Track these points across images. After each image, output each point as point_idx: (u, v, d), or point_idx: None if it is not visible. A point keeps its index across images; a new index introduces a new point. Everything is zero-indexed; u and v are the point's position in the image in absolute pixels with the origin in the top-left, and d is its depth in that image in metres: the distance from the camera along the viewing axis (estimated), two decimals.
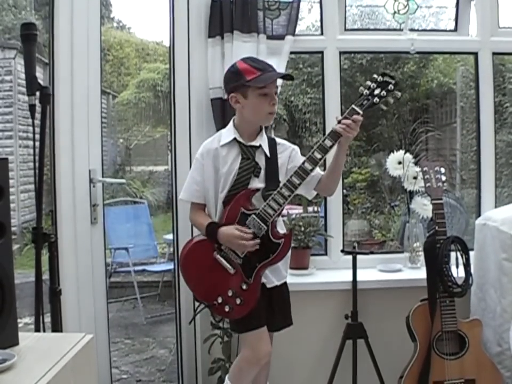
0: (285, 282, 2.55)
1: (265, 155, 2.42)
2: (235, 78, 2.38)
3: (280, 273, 2.50)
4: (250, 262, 2.36)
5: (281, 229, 2.49)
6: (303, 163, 2.31)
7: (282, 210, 2.37)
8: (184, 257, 2.47)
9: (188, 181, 2.49)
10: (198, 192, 2.46)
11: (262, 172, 2.40)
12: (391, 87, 2.34)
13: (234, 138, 2.41)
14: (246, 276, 2.35)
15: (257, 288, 2.37)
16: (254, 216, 2.33)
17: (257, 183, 2.39)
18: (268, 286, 2.46)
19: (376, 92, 2.33)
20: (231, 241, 2.33)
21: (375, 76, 2.36)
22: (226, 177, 2.40)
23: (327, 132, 3.17)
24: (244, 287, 2.35)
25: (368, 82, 2.35)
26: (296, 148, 2.53)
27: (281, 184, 2.32)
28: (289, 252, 2.43)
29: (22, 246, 7.78)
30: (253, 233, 2.32)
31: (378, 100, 2.33)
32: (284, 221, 3.14)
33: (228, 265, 2.36)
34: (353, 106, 2.33)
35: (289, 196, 2.31)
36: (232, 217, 2.36)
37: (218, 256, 2.37)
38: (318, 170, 2.46)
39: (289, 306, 2.57)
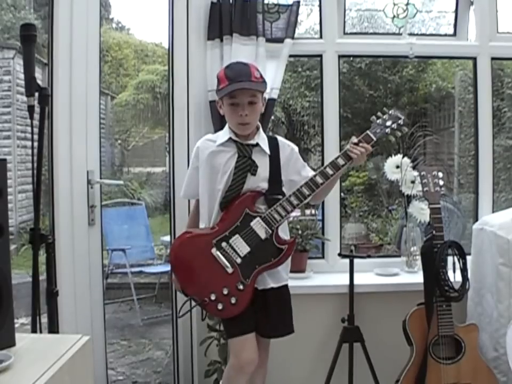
0: (286, 286, 2.52)
1: (268, 155, 2.43)
2: (216, 85, 2.44)
3: (279, 276, 2.47)
4: (249, 263, 2.35)
5: (283, 232, 2.48)
6: (315, 176, 2.38)
7: (288, 217, 2.41)
8: (177, 247, 2.45)
9: (187, 180, 2.58)
10: (194, 190, 2.54)
11: (264, 171, 2.41)
12: (401, 121, 2.50)
13: (230, 138, 2.43)
14: (243, 277, 2.34)
15: (251, 290, 2.37)
16: (259, 218, 2.35)
17: (257, 182, 2.39)
18: (260, 288, 2.42)
19: (388, 123, 2.48)
20: None
21: (386, 109, 2.51)
22: (222, 176, 2.40)
23: (326, 135, 3.23)
24: (240, 287, 2.34)
25: (380, 114, 2.50)
26: (295, 148, 2.55)
27: (290, 193, 2.36)
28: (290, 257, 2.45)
29: (19, 247, 7.76)
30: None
31: (389, 131, 2.49)
32: None
33: (226, 263, 2.35)
34: (368, 132, 2.46)
35: (297, 204, 2.36)
36: (235, 218, 2.36)
37: (217, 253, 2.36)
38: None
39: (290, 311, 2.52)
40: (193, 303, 2.40)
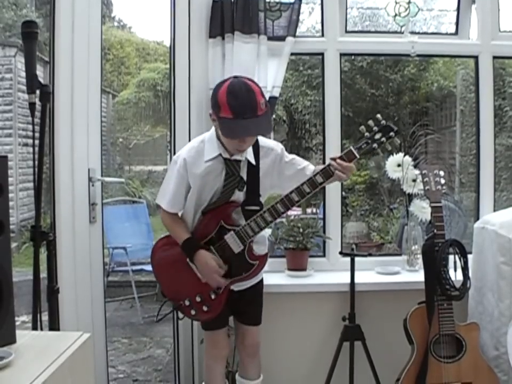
0: (261, 280, 2.57)
1: (249, 163, 2.36)
2: (213, 101, 2.25)
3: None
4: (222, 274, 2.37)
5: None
6: (291, 193, 2.28)
7: (261, 232, 2.35)
8: (156, 251, 2.50)
9: (173, 191, 2.39)
10: (181, 203, 2.42)
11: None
12: (392, 134, 2.30)
13: (220, 154, 2.32)
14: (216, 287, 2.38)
15: (224, 299, 2.40)
16: (233, 233, 2.32)
17: (241, 195, 2.37)
18: (236, 289, 2.46)
19: (377, 136, 2.30)
20: (205, 270, 2.34)
21: (379, 116, 2.32)
22: (209, 190, 2.36)
23: (326, 135, 3.23)
24: (213, 296, 2.38)
25: (371, 123, 2.31)
26: (280, 151, 2.43)
27: (265, 208, 2.31)
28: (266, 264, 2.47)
29: (20, 244, 7.78)
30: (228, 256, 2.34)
31: (377, 146, 2.30)
32: (281, 222, 3.15)
33: (199, 274, 2.37)
34: (351, 148, 2.30)
35: (271, 221, 2.31)
36: (210, 229, 2.36)
37: (192, 263, 2.38)
38: (310, 168, 2.42)
39: (261, 304, 2.58)
40: (167, 304, 2.50)
